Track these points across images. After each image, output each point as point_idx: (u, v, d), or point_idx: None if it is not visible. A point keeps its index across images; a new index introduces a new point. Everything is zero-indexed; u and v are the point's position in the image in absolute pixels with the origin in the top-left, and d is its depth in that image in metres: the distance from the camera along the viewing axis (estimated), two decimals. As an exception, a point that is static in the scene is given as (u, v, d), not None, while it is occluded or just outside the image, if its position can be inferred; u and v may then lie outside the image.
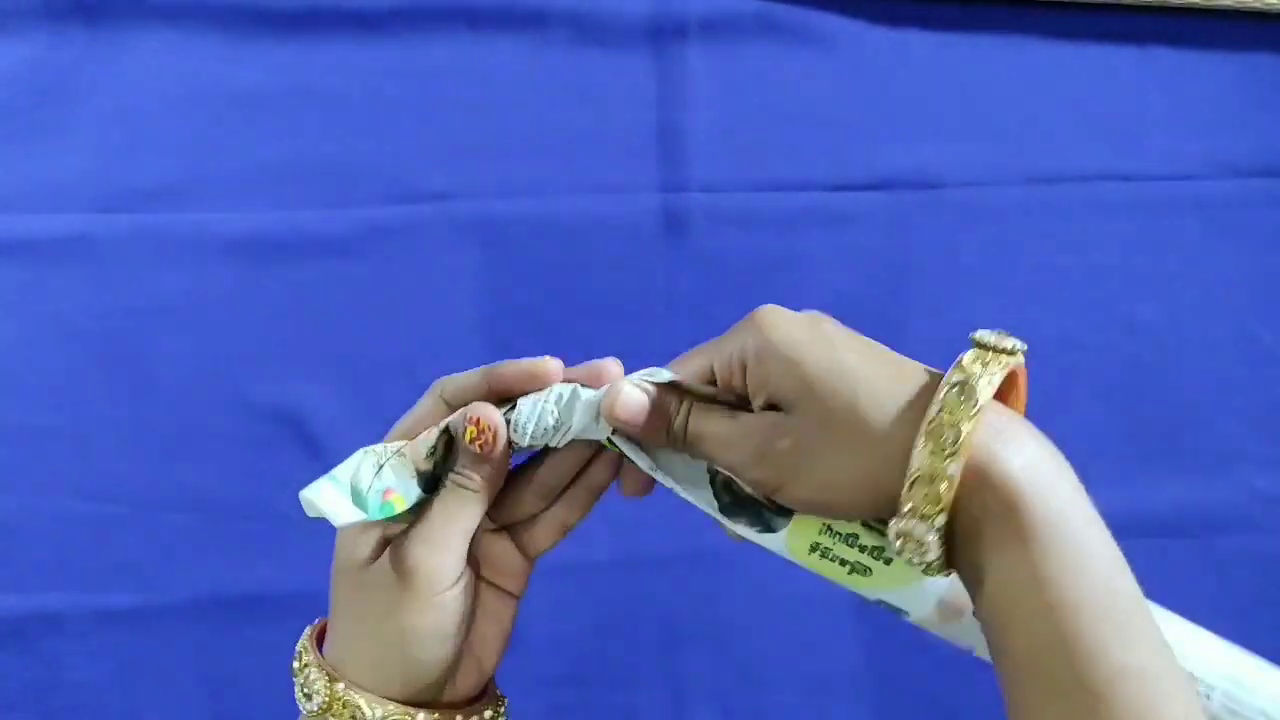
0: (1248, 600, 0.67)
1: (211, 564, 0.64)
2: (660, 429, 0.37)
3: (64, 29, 0.66)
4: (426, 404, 0.40)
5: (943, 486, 0.31)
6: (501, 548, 0.41)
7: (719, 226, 0.67)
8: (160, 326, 0.65)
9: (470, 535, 0.38)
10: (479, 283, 0.66)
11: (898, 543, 0.33)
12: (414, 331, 0.66)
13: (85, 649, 0.63)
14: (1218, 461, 0.67)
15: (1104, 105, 0.69)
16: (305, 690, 0.38)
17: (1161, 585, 0.72)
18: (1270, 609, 0.67)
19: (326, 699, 0.37)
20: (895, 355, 0.35)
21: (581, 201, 0.67)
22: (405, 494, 0.37)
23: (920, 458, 0.31)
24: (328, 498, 0.36)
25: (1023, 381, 0.35)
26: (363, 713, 0.37)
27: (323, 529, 0.66)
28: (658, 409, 0.37)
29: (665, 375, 0.37)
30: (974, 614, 0.34)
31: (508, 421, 0.38)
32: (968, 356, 0.32)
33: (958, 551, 0.33)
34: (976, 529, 0.31)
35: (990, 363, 0.32)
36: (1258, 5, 0.67)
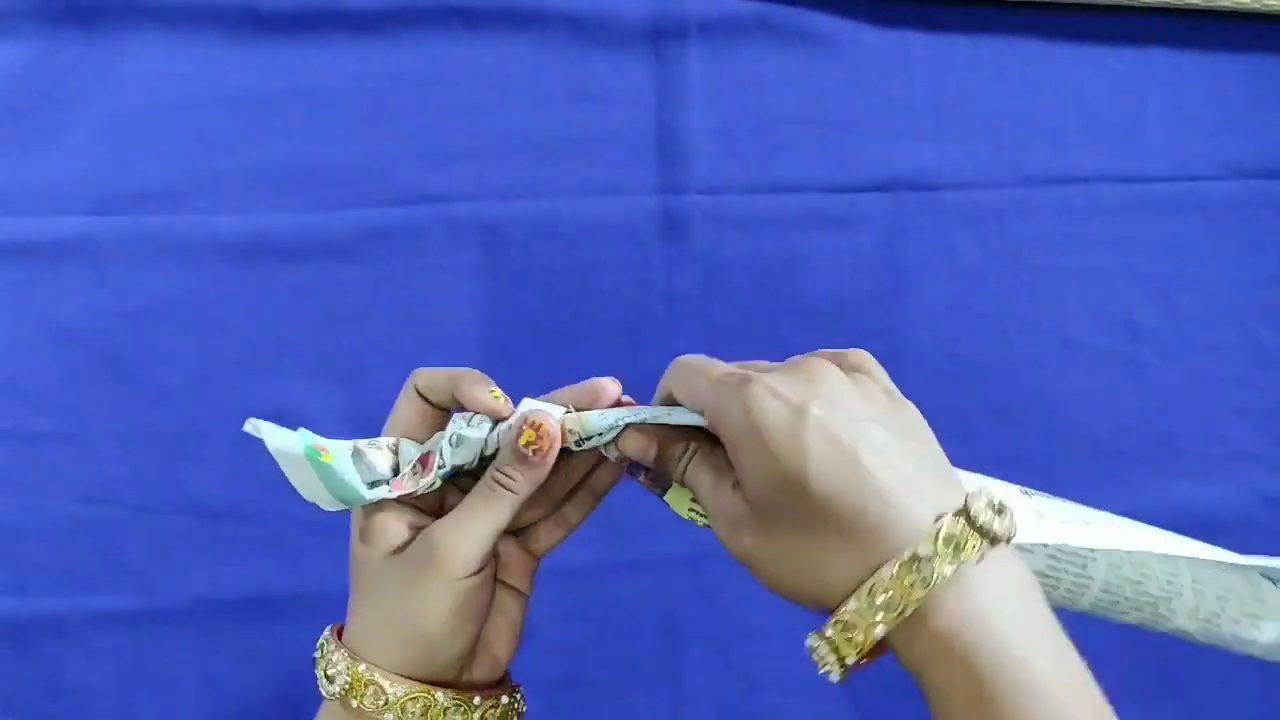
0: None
1: (211, 567, 0.64)
2: (667, 468, 0.39)
3: (60, 31, 0.66)
4: (402, 398, 0.41)
5: (860, 636, 0.32)
6: (507, 547, 0.42)
7: (718, 228, 0.67)
8: (159, 328, 0.65)
9: (500, 531, 0.39)
10: (478, 284, 0.66)
11: (808, 652, 0.34)
12: (414, 333, 0.66)
13: (85, 651, 0.63)
14: (1218, 462, 0.67)
15: (1104, 106, 0.69)
16: (328, 673, 0.39)
17: (1162, 586, 0.71)
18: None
19: (349, 680, 0.38)
20: (881, 458, 0.33)
21: (581, 203, 0.67)
22: (336, 456, 0.38)
23: (853, 608, 0.32)
24: (273, 432, 0.38)
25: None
26: (384, 691, 0.38)
27: (324, 530, 0.66)
28: (662, 450, 0.39)
29: (556, 411, 0.39)
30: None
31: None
32: (945, 531, 0.32)
33: (903, 667, 0.34)
34: (918, 667, 0.32)
35: (965, 547, 0.32)
36: (1258, 5, 0.67)
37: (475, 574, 0.38)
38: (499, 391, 0.39)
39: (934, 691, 0.32)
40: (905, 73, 0.68)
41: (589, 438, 0.39)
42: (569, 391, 0.40)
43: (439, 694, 0.39)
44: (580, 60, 0.67)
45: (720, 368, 0.37)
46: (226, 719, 0.64)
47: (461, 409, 0.40)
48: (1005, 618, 0.31)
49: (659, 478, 0.40)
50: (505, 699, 0.41)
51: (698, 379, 0.37)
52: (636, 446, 0.39)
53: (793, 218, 0.67)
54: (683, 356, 0.39)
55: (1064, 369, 0.67)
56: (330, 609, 0.66)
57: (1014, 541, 0.34)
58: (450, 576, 0.38)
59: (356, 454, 0.39)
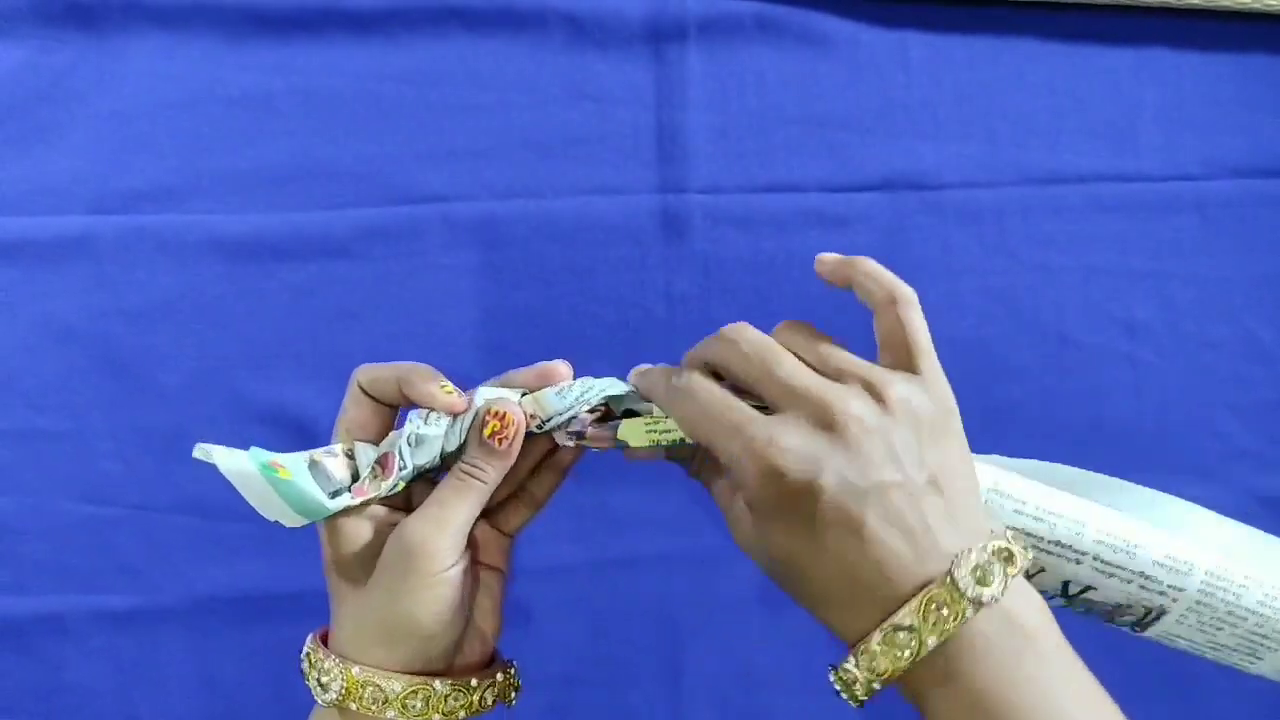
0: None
1: (210, 565, 0.64)
2: (682, 458, 0.41)
3: (58, 31, 0.65)
4: (348, 399, 0.41)
5: (864, 685, 0.34)
6: (480, 529, 0.42)
7: (718, 227, 0.67)
8: (158, 328, 0.65)
9: (472, 522, 0.39)
10: (478, 284, 0.66)
11: (832, 677, 0.35)
12: (413, 332, 0.66)
13: (84, 650, 0.63)
14: (1214, 460, 0.68)
15: (1102, 105, 0.69)
16: (321, 681, 0.39)
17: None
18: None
19: (344, 685, 0.38)
20: (887, 522, 0.34)
21: (580, 203, 0.67)
22: (293, 470, 0.38)
23: (855, 664, 0.34)
24: (224, 455, 0.38)
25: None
26: (382, 690, 0.38)
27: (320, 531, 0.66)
28: (674, 452, 0.40)
29: (514, 395, 0.39)
30: None
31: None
32: (930, 597, 0.33)
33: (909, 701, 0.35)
34: (922, 705, 0.34)
35: (943, 611, 0.33)
36: (1257, 5, 0.67)
37: (455, 565, 0.39)
38: (450, 386, 0.39)
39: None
40: (904, 73, 0.68)
41: (549, 419, 0.39)
42: (521, 374, 0.41)
43: (437, 684, 0.39)
44: (580, 60, 0.67)
45: (726, 402, 0.37)
46: (225, 717, 0.64)
47: (412, 406, 0.40)
48: (1015, 676, 0.32)
49: (603, 433, 0.40)
50: (500, 676, 0.41)
51: (711, 416, 0.37)
52: (646, 454, 0.40)
53: (792, 217, 0.67)
54: (693, 378, 0.38)
55: (1061, 367, 0.67)
56: (327, 608, 0.66)
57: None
58: (431, 572, 0.38)
59: (313, 465, 0.39)
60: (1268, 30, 0.69)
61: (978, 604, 0.32)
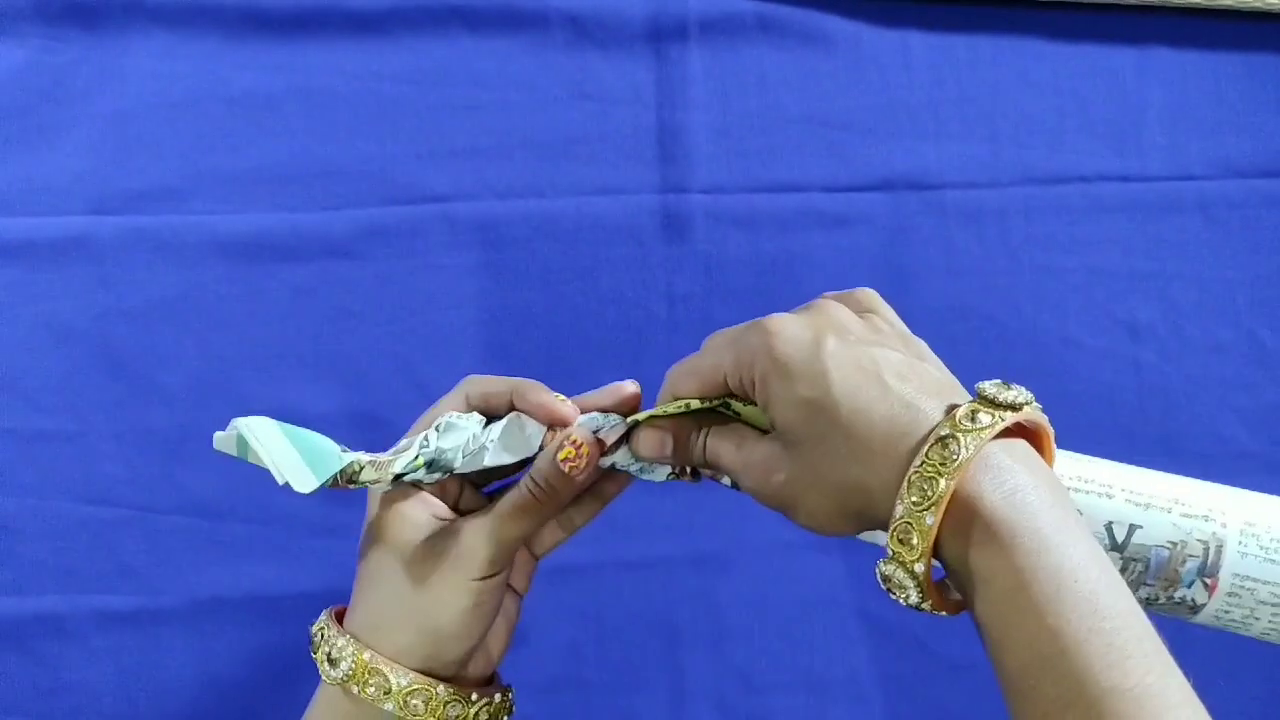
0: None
1: (211, 566, 0.64)
2: (686, 453, 0.40)
3: (59, 31, 0.65)
4: (452, 401, 0.41)
5: (916, 538, 0.32)
6: None
7: (719, 227, 0.67)
8: (159, 328, 0.65)
9: (525, 539, 0.40)
10: (478, 284, 0.66)
11: (884, 584, 0.34)
12: (414, 332, 0.66)
13: (84, 651, 0.63)
14: (1217, 461, 0.67)
15: (1104, 105, 0.69)
16: (331, 656, 0.39)
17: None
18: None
19: (353, 666, 0.38)
20: (895, 383, 0.34)
21: (581, 202, 0.67)
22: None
23: (901, 509, 0.32)
24: (242, 422, 0.38)
25: (1043, 434, 0.36)
26: (387, 680, 0.38)
27: (324, 530, 0.66)
28: (678, 442, 0.39)
29: (615, 421, 0.40)
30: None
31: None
32: (961, 411, 0.33)
33: (951, 579, 0.34)
34: (964, 561, 0.32)
35: (982, 416, 0.33)
36: (1258, 5, 0.67)
37: (493, 576, 0.39)
38: (562, 396, 0.40)
39: (977, 584, 0.32)
40: (905, 72, 0.68)
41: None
42: (592, 397, 0.41)
43: (440, 688, 0.39)
44: (581, 60, 0.67)
45: (723, 333, 0.38)
46: (226, 718, 0.64)
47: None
48: (1042, 504, 0.32)
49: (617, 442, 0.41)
50: (499, 696, 0.41)
51: (708, 351, 0.38)
52: (652, 444, 0.40)
53: (793, 217, 0.67)
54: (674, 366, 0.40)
55: (1063, 368, 0.67)
56: (356, 582, 0.65)
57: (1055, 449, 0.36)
58: (471, 576, 0.38)
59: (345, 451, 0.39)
60: (1272, 30, 0.69)
61: (1014, 408, 0.33)
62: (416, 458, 0.39)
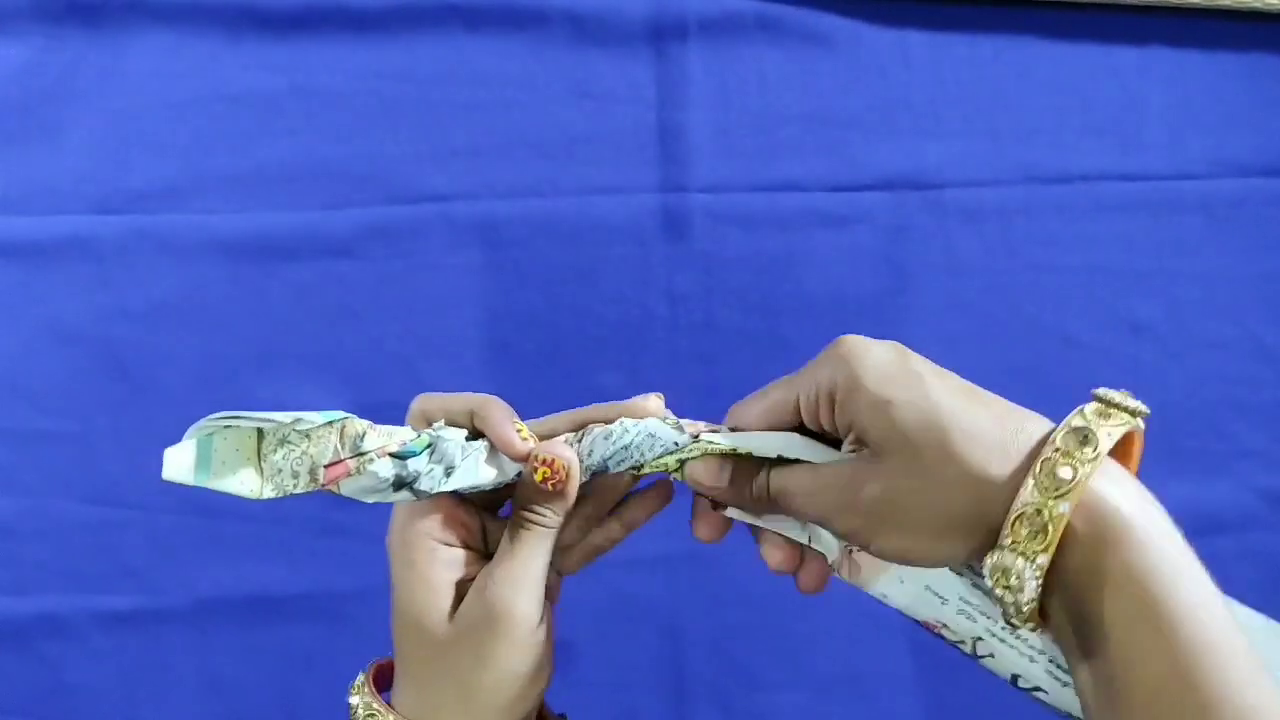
0: (1247, 600, 0.66)
1: (212, 566, 0.64)
2: (744, 490, 0.37)
3: (60, 30, 0.66)
4: (411, 423, 0.39)
5: (1049, 525, 0.30)
6: None
7: (719, 227, 0.67)
8: (160, 328, 0.65)
9: (546, 569, 0.38)
10: (479, 283, 0.66)
11: (991, 580, 0.31)
12: (414, 331, 0.66)
13: (86, 651, 0.63)
14: (1218, 461, 0.67)
15: (1105, 105, 0.69)
16: None
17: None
18: (1270, 609, 0.67)
19: None
20: (988, 395, 0.34)
21: (581, 202, 0.67)
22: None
23: (1027, 494, 0.30)
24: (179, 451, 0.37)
25: (1138, 448, 0.34)
26: None
27: (324, 530, 0.66)
28: (738, 470, 0.37)
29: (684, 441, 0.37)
30: (1073, 661, 0.32)
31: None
32: (1090, 408, 0.32)
33: (1060, 595, 0.31)
34: (1091, 570, 0.30)
35: (1112, 417, 0.32)
36: (1258, 5, 0.67)
37: (541, 622, 0.37)
38: (525, 430, 0.38)
39: (1106, 588, 0.30)
40: (905, 71, 0.68)
41: (600, 461, 0.38)
42: (606, 409, 0.39)
43: None
44: (581, 59, 0.67)
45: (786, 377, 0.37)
46: (229, 718, 0.64)
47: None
48: (1163, 515, 0.31)
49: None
50: None
51: (771, 387, 0.36)
52: (708, 475, 0.38)
53: (794, 216, 0.67)
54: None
55: (1064, 367, 0.67)
56: (330, 608, 0.66)
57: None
58: (524, 636, 0.36)
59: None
60: (1272, 30, 0.69)
61: (1135, 412, 0.32)
62: (420, 437, 0.37)
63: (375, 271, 0.66)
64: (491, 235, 0.66)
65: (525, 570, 0.37)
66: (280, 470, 0.36)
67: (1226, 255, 0.68)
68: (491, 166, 0.67)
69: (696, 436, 0.38)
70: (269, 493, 0.36)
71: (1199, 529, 0.66)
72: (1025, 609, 0.31)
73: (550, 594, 0.40)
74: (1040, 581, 0.30)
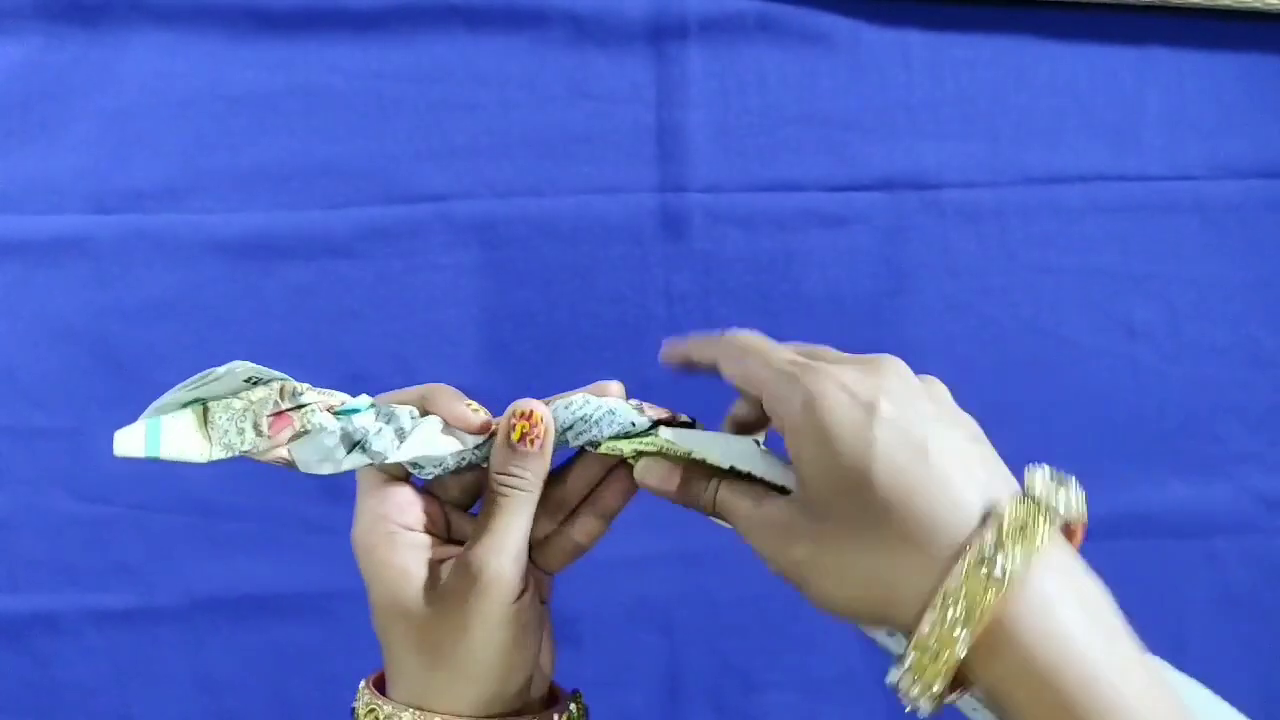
0: (1248, 600, 0.67)
1: (208, 565, 0.64)
2: (691, 496, 0.37)
3: (59, 29, 0.66)
4: None
5: (944, 655, 0.29)
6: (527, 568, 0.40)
7: (718, 227, 0.67)
8: (158, 326, 0.65)
9: (527, 538, 0.37)
10: (478, 283, 0.66)
11: (894, 690, 0.31)
12: (413, 331, 0.66)
13: (81, 649, 0.63)
14: (1218, 462, 0.67)
15: (1103, 105, 0.69)
16: None
17: (1162, 585, 0.72)
18: (1270, 609, 0.67)
19: None
20: (949, 459, 0.31)
21: (581, 202, 0.67)
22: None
23: (932, 623, 0.30)
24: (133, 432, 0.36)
25: (1080, 530, 0.33)
26: None
27: (322, 530, 0.66)
28: (688, 477, 0.37)
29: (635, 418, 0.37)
30: None
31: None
32: (1009, 520, 0.30)
33: (980, 683, 0.31)
34: (996, 686, 0.30)
35: (1031, 529, 0.30)
36: (1258, 5, 0.67)
37: (524, 593, 0.37)
38: (477, 405, 0.38)
39: (1009, 709, 0.30)
40: (905, 72, 0.68)
41: (567, 429, 0.38)
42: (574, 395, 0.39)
43: None
44: (580, 59, 0.67)
45: (783, 353, 0.35)
46: (222, 717, 0.64)
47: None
48: (1082, 625, 0.29)
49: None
50: (574, 706, 0.39)
51: (756, 361, 0.35)
52: (657, 476, 0.37)
53: (792, 216, 0.67)
54: (737, 333, 0.37)
55: (1061, 368, 0.67)
56: (327, 608, 0.66)
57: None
58: (504, 602, 0.36)
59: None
60: (1272, 30, 0.69)
61: (1064, 518, 0.30)
62: (360, 396, 0.36)
63: (374, 271, 0.66)
64: (490, 235, 0.66)
65: (505, 534, 0.36)
66: (226, 430, 0.36)
67: (1223, 257, 0.68)
68: (490, 166, 0.67)
69: (656, 423, 0.38)
70: (218, 453, 0.36)
71: (1196, 531, 0.66)
72: (934, 691, 0.30)
73: (540, 591, 0.40)
74: (936, 703, 0.30)
